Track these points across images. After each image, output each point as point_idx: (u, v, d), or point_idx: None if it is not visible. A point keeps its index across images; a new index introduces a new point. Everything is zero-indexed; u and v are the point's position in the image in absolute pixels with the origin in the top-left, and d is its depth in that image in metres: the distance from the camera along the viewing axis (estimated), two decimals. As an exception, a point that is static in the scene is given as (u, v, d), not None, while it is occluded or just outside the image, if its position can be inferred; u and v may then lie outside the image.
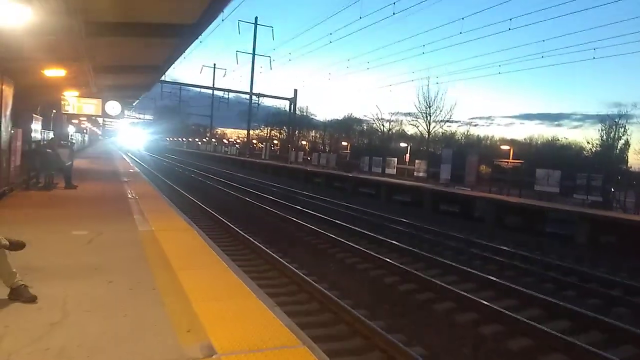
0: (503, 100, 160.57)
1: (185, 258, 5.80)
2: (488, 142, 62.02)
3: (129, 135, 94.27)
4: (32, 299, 4.00)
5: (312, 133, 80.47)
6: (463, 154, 26.89)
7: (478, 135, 63.07)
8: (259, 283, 6.14)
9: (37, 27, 6.00)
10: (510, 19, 26.92)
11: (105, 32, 7.30)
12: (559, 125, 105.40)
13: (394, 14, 24.18)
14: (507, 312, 6.69)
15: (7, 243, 4.14)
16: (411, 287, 8.09)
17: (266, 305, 4.22)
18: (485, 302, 7.03)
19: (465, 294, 7.44)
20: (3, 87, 9.14)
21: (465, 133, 59.66)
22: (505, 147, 38.80)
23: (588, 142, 50.80)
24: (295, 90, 48.93)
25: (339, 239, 11.31)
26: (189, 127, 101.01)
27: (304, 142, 71.71)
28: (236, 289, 4.70)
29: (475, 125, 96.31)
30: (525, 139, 62.21)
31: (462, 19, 29.39)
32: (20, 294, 4.01)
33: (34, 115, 13.63)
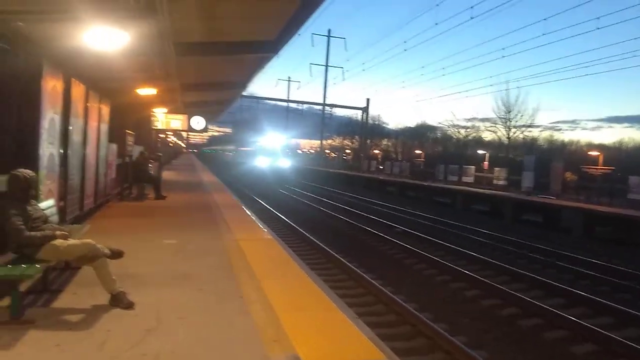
0: (589, 102, 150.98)
1: (268, 267, 5.98)
2: (573, 147, 58.57)
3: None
4: (130, 305, 4.28)
5: (385, 142, 79.86)
6: (546, 161, 25.56)
7: (562, 140, 59.72)
8: (337, 293, 6.19)
9: (132, 50, 6.49)
10: (598, 18, 25.25)
11: (192, 52, 7.77)
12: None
13: (471, 18, 23.58)
14: (601, 330, 6.27)
15: (109, 252, 4.48)
16: (494, 302, 7.80)
17: (348, 317, 4.25)
18: (576, 320, 6.63)
19: (554, 310, 7.06)
20: (101, 106, 9.92)
21: (549, 138, 56.67)
22: (593, 153, 36.41)
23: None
24: (368, 100, 48.94)
25: (415, 249, 11.14)
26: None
27: (376, 151, 71.35)
28: (318, 299, 4.77)
29: (559, 130, 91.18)
30: (614, 144, 58.10)
31: (545, 19, 28.01)
32: (119, 300, 4.30)
33: (126, 131, 14.64)
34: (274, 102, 54.92)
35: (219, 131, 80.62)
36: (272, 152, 48.83)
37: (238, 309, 4.37)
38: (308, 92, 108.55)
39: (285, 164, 42.84)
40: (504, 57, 54.66)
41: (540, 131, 55.85)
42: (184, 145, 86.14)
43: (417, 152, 60.99)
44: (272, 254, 6.87)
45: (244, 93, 38.05)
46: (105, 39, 5.88)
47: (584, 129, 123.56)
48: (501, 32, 74.41)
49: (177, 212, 11.20)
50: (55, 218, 5.74)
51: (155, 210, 11.22)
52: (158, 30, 6.03)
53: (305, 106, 57.51)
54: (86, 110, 8.86)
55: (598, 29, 26.44)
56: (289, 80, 62.28)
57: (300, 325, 3.99)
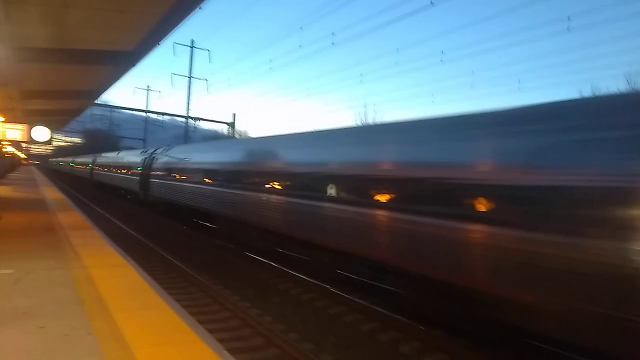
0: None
1: (123, 298, 5.53)
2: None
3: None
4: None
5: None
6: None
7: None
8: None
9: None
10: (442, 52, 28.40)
11: (37, 58, 6.95)
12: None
13: (332, 44, 24.88)
14: None
15: None
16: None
17: (214, 350, 4.09)
18: None
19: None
20: None
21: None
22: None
23: None
24: (234, 114, 48.65)
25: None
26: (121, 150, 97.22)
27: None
28: (181, 332, 4.52)
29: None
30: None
31: (397, 50, 30.73)
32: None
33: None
34: (131, 111, 51.76)
35: (66, 141, 73.50)
36: None
37: (88, 348, 3.97)
38: (170, 102, 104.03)
39: None
40: (362, 82, 58.53)
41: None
42: (24, 157, 76.93)
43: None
44: (128, 282, 6.37)
45: (97, 101, 35.35)
46: None
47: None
48: (360, 59, 79.51)
49: (15, 234, 9.86)
50: None
51: (-14, 233, 9.77)
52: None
53: (167, 118, 55.05)
54: None
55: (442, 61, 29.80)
56: (147, 90, 59.39)
57: (161, 362, 3.74)
